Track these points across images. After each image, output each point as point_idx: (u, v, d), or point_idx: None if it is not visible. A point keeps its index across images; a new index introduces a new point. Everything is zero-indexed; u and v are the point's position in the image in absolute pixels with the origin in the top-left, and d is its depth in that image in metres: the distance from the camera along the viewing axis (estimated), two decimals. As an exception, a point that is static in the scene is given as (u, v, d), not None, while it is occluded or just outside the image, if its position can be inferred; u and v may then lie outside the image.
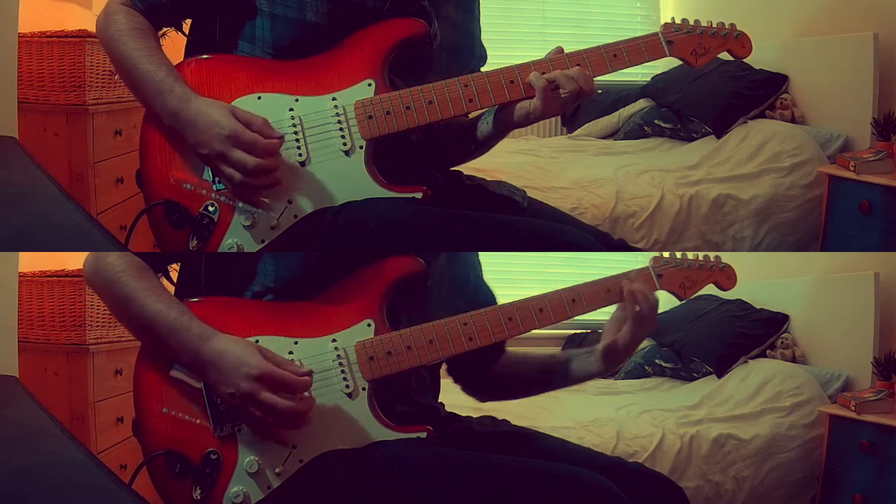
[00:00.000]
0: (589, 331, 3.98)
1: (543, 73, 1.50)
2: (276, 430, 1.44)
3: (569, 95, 1.50)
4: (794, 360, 3.44)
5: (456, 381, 1.74)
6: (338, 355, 1.48)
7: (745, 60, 1.63)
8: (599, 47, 1.53)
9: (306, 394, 1.44)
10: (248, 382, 1.40)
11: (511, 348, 1.73)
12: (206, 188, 1.49)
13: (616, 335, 1.62)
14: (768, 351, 3.50)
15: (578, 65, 1.52)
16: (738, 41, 1.58)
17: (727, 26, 1.57)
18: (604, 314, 1.65)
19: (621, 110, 3.89)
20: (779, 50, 3.55)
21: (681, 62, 1.57)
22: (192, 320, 1.45)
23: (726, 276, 1.65)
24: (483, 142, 1.63)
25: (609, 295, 1.58)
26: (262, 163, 1.44)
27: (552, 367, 1.70)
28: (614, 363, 1.65)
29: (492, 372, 1.71)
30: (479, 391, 1.75)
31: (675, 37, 1.56)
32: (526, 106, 1.52)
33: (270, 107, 1.49)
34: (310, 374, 1.44)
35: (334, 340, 1.48)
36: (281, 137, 1.46)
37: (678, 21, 1.56)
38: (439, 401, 1.65)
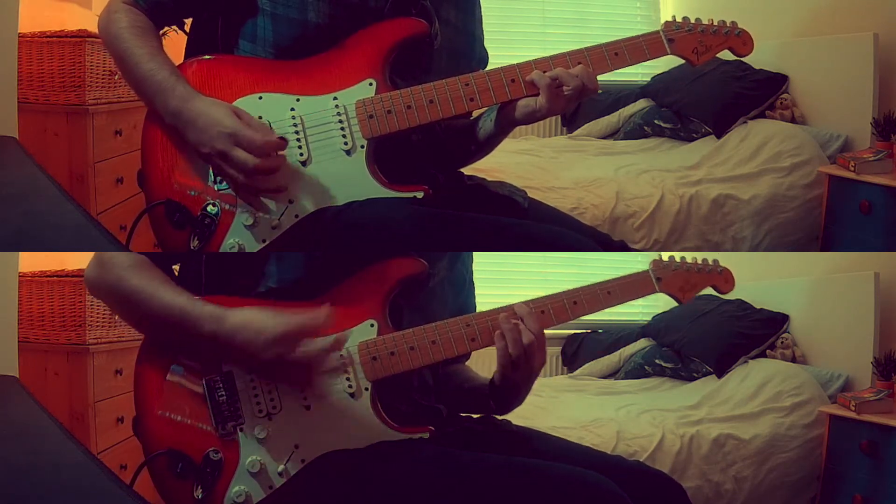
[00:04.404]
0: (589, 331, 3.97)
1: (545, 72, 1.50)
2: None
3: (572, 92, 1.49)
4: (794, 360, 3.44)
5: None
6: (341, 355, 1.47)
7: (745, 60, 1.63)
8: (601, 45, 1.53)
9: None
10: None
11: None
12: (209, 194, 1.49)
13: (499, 372, 1.55)
14: (768, 351, 3.50)
15: (580, 62, 1.52)
16: (739, 39, 1.58)
17: (728, 24, 1.57)
18: (607, 315, 1.65)
19: (621, 110, 3.89)
20: (779, 50, 3.55)
21: (681, 62, 1.57)
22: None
23: (724, 280, 1.65)
24: (484, 142, 1.62)
25: (610, 297, 1.58)
26: (262, 163, 1.44)
27: (471, 388, 1.65)
28: (504, 401, 1.59)
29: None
30: None
31: (676, 35, 1.56)
32: (531, 103, 1.51)
33: (272, 107, 1.49)
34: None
35: (337, 340, 1.48)
36: (283, 140, 1.46)
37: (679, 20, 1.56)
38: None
